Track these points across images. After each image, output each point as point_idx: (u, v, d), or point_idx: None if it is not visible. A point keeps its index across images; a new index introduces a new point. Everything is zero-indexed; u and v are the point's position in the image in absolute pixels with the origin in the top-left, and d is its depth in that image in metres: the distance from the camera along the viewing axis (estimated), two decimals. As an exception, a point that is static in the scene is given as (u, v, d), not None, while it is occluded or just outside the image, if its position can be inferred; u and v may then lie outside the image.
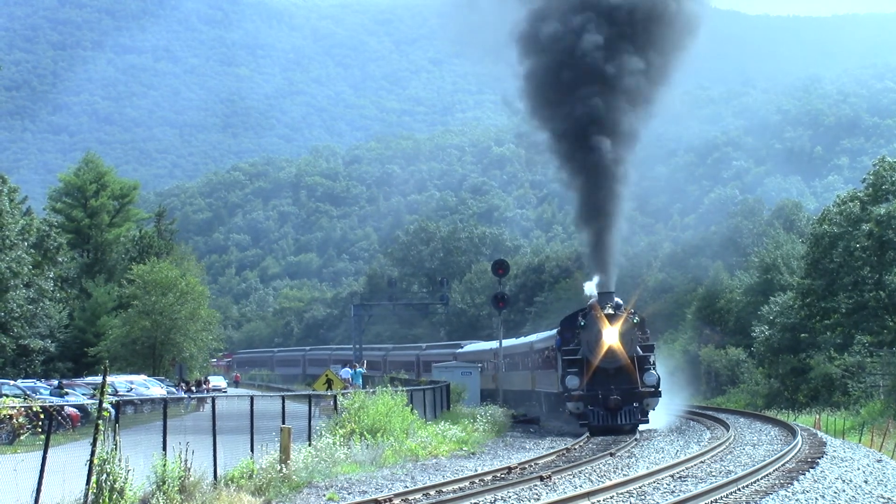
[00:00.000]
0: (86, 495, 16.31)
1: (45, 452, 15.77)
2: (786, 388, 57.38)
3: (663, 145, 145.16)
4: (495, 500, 20.31)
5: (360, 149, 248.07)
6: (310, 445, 25.59)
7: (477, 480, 23.78)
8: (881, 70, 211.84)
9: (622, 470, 25.65)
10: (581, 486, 22.01)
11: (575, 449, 32.50)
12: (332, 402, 31.41)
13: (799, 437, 31.28)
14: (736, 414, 48.67)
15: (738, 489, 20.90)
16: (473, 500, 20.29)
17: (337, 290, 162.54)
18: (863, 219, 51.55)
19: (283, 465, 22.18)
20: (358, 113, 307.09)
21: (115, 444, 17.04)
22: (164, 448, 19.06)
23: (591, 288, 41.09)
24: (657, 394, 38.56)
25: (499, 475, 24.85)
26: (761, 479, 22.42)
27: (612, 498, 20.14)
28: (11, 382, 40.75)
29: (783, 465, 24.99)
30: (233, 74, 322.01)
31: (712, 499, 19.68)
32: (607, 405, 37.74)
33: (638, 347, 38.83)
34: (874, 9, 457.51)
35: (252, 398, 24.00)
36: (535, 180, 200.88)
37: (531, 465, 27.23)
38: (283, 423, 24.29)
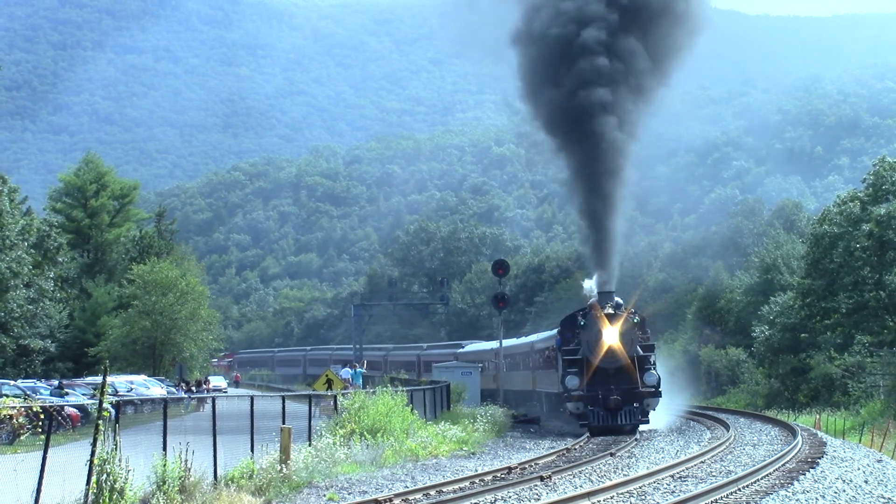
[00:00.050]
0: (86, 495, 16.31)
1: (46, 452, 15.78)
2: (786, 388, 57.37)
3: (663, 145, 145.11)
4: (495, 500, 20.31)
5: (360, 149, 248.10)
6: (310, 445, 25.59)
7: (477, 480, 23.78)
8: (881, 70, 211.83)
9: (622, 470, 25.65)
10: (581, 487, 22.01)
11: (575, 449, 32.50)
12: (332, 403, 31.41)
13: (799, 438, 31.28)
14: (736, 414, 48.67)
15: (739, 489, 20.90)
16: (474, 500, 20.29)
17: (337, 290, 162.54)
18: (863, 219, 51.54)
19: (283, 466, 22.18)
20: (358, 113, 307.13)
21: (116, 445, 17.04)
22: (165, 448, 19.06)
23: (590, 285, 41.03)
24: (657, 394, 38.45)
25: (499, 475, 24.85)
26: (761, 479, 22.42)
27: (612, 498, 20.14)
28: (11, 382, 40.74)
29: (783, 465, 24.99)
30: (233, 74, 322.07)
31: (712, 499, 19.67)
32: (607, 405, 37.63)
33: (638, 347, 38.71)
34: (874, 9, 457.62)
35: (252, 398, 24.00)
36: (536, 180, 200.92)
37: (531, 465, 27.23)
38: (284, 423, 24.30)
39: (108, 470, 16.61)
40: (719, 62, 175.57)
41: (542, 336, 50.92)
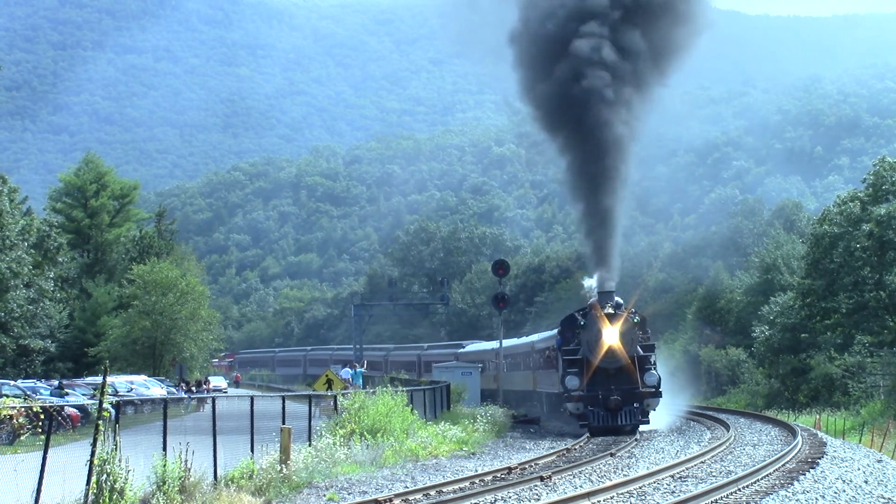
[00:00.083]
0: (86, 495, 16.32)
1: (46, 453, 15.78)
2: (786, 389, 57.36)
3: (664, 145, 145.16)
4: (495, 501, 20.31)
5: (360, 149, 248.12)
6: (310, 446, 25.59)
7: (477, 481, 23.78)
8: (881, 70, 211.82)
9: (622, 470, 25.65)
10: (581, 487, 22.01)
11: (575, 449, 32.49)
12: (332, 403, 31.40)
13: (799, 438, 31.28)
14: (736, 414, 48.67)
15: (739, 489, 20.90)
16: (474, 501, 20.29)
17: (337, 290, 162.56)
18: (863, 219, 51.53)
19: (283, 466, 22.18)
20: (358, 113, 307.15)
21: (116, 445, 17.05)
22: (165, 448, 19.07)
23: (591, 283, 40.91)
24: (658, 394, 38.30)
25: (499, 475, 24.85)
26: (761, 479, 22.42)
27: (612, 498, 20.14)
28: (12, 383, 40.75)
29: (783, 465, 24.99)
30: (233, 74, 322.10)
31: (713, 499, 19.67)
32: (607, 405, 37.49)
33: (638, 347, 38.56)
34: (874, 9, 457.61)
35: (252, 398, 24.01)
36: (536, 180, 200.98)
37: (531, 466, 27.22)
38: (284, 423, 24.30)
39: (108, 470, 16.61)
40: (719, 62, 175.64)
41: (542, 336, 50.86)
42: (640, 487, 21.65)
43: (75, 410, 32.21)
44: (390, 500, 20.15)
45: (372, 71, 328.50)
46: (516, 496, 20.80)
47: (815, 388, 54.85)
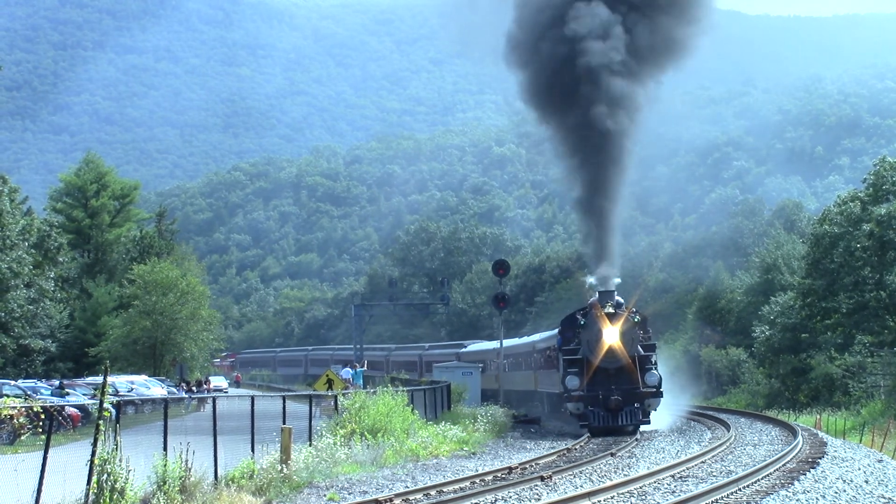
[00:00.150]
0: (86, 495, 16.32)
1: (46, 453, 15.79)
2: (786, 389, 57.34)
3: (664, 145, 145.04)
4: (496, 500, 20.31)
5: (360, 149, 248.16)
6: (310, 445, 25.59)
7: (478, 480, 23.78)
8: (882, 70, 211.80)
9: (623, 470, 25.65)
10: (582, 487, 22.01)
11: (576, 449, 32.49)
12: (332, 403, 31.40)
13: (799, 438, 31.28)
14: (737, 414, 48.65)
15: (739, 489, 20.90)
16: (474, 500, 20.29)
17: (337, 290, 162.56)
18: (863, 219, 51.52)
19: (283, 466, 22.19)
20: (358, 113, 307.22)
21: (116, 445, 17.06)
22: (165, 448, 19.08)
23: (592, 280, 40.74)
24: (659, 394, 38.13)
25: (499, 475, 24.85)
26: (762, 479, 22.42)
27: (612, 498, 20.14)
28: (12, 382, 40.76)
29: (784, 465, 24.99)
30: (234, 74, 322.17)
31: (713, 499, 19.68)
32: (608, 406, 37.32)
33: (639, 347, 38.40)
34: (875, 9, 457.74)
35: (253, 398, 24.01)
36: (536, 180, 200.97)
37: (532, 466, 27.22)
38: (284, 423, 24.30)
39: (109, 470, 16.62)
40: (720, 62, 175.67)
41: (543, 336, 50.80)
42: (640, 487, 21.66)
43: (76, 410, 32.23)
44: (391, 499, 20.15)
45: (372, 71, 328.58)
46: (517, 496, 20.80)
47: (815, 387, 54.84)
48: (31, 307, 57.53)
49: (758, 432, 36.70)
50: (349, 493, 21.83)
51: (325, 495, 21.45)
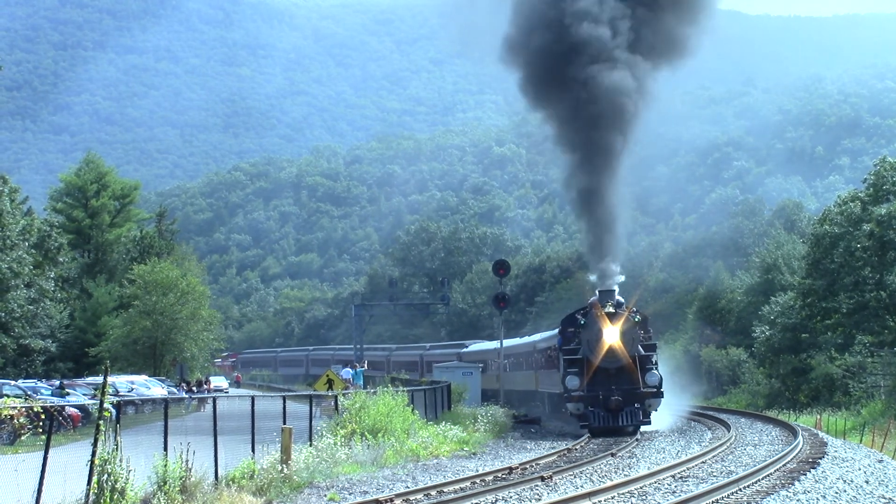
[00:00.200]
0: (87, 495, 16.32)
1: (46, 453, 15.79)
2: (787, 389, 57.34)
3: (664, 145, 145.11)
4: (496, 501, 20.31)
5: (360, 149, 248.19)
6: (311, 446, 25.59)
7: (478, 481, 23.77)
8: (882, 70, 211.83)
9: (623, 470, 25.64)
10: (582, 487, 22.01)
11: (576, 449, 32.48)
12: (333, 403, 31.39)
13: (800, 438, 31.27)
14: (737, 414, 48.64)
15: (740, 489, 20.90)
16: (474, 501, 20.29)
17: (338, 290, 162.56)
18: (864, 219, 51.52)
19: (284, 466, 22.18)
20: (359, 113, 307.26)
21: (116, 445, 17.06)
22: (166, 448, 19.08)
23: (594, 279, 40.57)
24: (659, 394, 37.90)
25: (500, 475, 24.85)
26: (762, 479, 22.42)
27: (613, 498, 20.14)
28: (12, 382, 40.76)
29: (784, 465, 24.99)
30: (234, 74, 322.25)
31: (713, 499, 19.67)
32: (608, 406, 37.15)
33: (640, 347, 38.22)
34: (875, 9, 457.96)
35: (253, 398, 24.01)
36: (536, 180, 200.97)
37: (532, 466, 27.22)
38: (284, 423, 24.29)
39: (109, 470, 16.62)
40: (720, 62, 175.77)
41: (544, 336, 50.74)
42: (640, 487, 21.65)
43: (76, 410, 32.23)
44: (391, 500, 20.15)
45: (372, 71, 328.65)
46: (517, 496, 20.80)
47: (815, 388, 54.83)
48: (31, 307, 57.53)
49: (758, 432, 36.69)
50: (349, 494, 21.83)
51: (325, 495, 21.45)
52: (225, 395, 44.41)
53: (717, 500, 19.70)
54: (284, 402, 25.94)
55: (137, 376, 52.06)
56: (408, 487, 22.51)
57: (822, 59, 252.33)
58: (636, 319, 38.29)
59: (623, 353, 37.53)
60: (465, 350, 72.55)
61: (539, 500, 20.28)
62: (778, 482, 21.97)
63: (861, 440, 34.56)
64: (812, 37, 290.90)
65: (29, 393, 36.51)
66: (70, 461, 16.66)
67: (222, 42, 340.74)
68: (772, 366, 59.65)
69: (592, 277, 41.26)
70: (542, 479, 23.19)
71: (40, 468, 15.69)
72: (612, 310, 37.70)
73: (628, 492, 20.94)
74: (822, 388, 54.14)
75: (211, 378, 68.35)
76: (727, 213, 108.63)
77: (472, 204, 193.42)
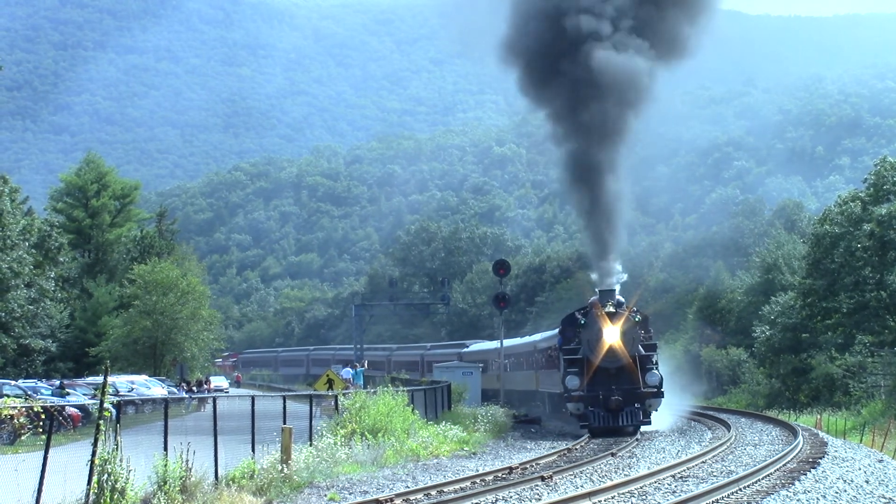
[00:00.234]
0: (87, 495, 16.32)
1: (47, 453, 15.79)
2: (787, 389, 57.33)
3: (664, 145, 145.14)
4: (497, 500, 20.31)
5: (361, 149, 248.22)
6: (311, 445, 25.59)
7: (478, 480, 23.77)
8: (882, 70, 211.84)
9: (623, 470, 25.64)
10: (582, 486, 22.01)
11: (576, 449, 32.47)
12: (333, 403, 31.39)
13: (800, 437, 31.27)
14: (737, 414, 48.63)
15: (740, 489, 20.89)
16: (475, 500, 20.29)
17: (338, 290, 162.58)
18: (864, 219, 51.51)
19: (284, 466, 22.18)
20: (359, 113, 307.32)
21: (117, 445, 17.06)
22: (166, 448, 19.08)
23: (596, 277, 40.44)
24: (660, 394, 37.75)
25: (500, 475, 24.85)
26: (762, 479, 22.41)
27: (613, 498, 20.14)
28: (12, 382, 40.76)
29: (784, 465, 24.98)
30: (234, 74, 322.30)
31: (714, 499, 19.67)
32: (608, 406, 37.01)
33: (640, 346, 38.07)
34: (875, 9, 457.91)
35: (253, 398, 24.01)
36: (537, 180, 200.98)
37: (532, 465, 27.21)
38: (285, 423, 24.29)
39: (109, 470, 16.62)
40: (720, 62, 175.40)
41: (545, 335, 50.66)
42: (641, 487, 21.65)
43: (76, 410, 32.22)
44: (391, 499, 20.15)
45: (373, 71, 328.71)
46: (517, 496, 20.80)
47: (815, 387, 54.82)
48: (31, 307, 57.53)
49: (758, 432, 36.68)
50: (350, 493, 21.83)
51: (325, 495, 21.45)
52: (225, 394, 44.42)
53: (718, 499, 19.70)
54: (284, 401, 25.94)
55: (137, 376, 52.07)
56: (408, 487, 22.51)
57: (822, 59, 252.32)
58: (636, 319, 38.13)
59: (623, 353, 37.38)
60: (465, 350, 72.53)
61: (539, 499, 20.28)
62: (778, 482, 21.97)
63: (861, 440, 34.56)
64: (812, 37, 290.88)
65: (29, 393, 36.51)
66: (70, 461, 16.66)
67: (223, 42, 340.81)
68: (772, 366, 59.65)
69: (594, 276, 41.12)
70: (543, 478, 23.19)
71: (40, 468, 15.69)
72: (612, 309, 37.51)
73: (628, 492, 20.94)
74: (823, 387, 54.13)
75: (211, 378, 68.36)
76: (727, 213, 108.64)
77: (472, 204, 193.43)
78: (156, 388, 47.83)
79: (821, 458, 25.91)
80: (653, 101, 42.72)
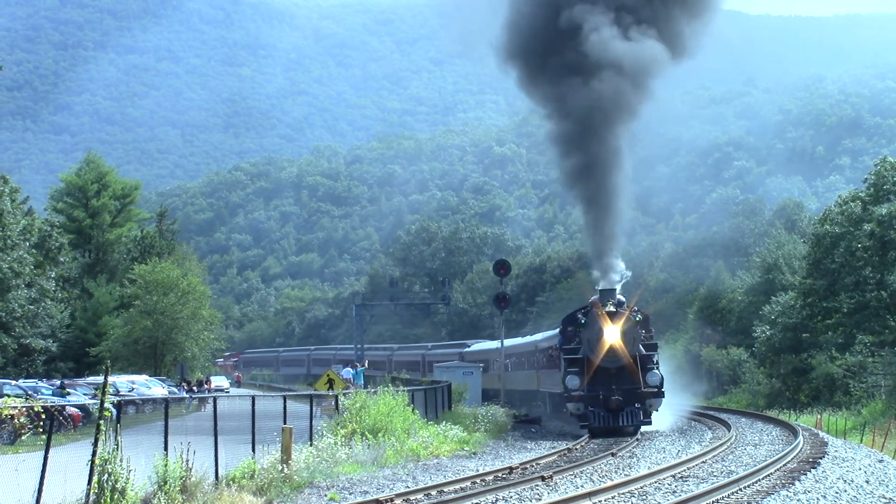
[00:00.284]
0: (87, 495, 16.32)
1: (47, 452, 15.79)
2: (787, 388, 57.34)
3: (665, 145, 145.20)
4: (497, 500, 20.31)
5: (361, 149, 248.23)
6: (311, 445, 25.60)
7: (478, 480, 23.77)
8: (882, 70, 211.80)
9: (623, 470, 25.64)
10: (582, 486, 22.01)
11: (576, 449, 32.46)
12: (333, 402, 31.40)
13: (800, 437, 31.26)
14: (737, 414, 48.62)
15: (740, 489, 20.89)
16: (475, 500, 20.29)
17: (338, 290, 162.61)
18: (864, 219, 51.51)
19: (284, 465, 22.19)
20: (359, 113, 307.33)
21: (117, 444, 17.06)
22: (166, 448, 19.08)
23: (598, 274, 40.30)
24: (660, 394, 37.60)
25: (500, 475, 24.85)
26: (763, 478, 22.41)
27: (613, 498, 20.14)
28: (13, 382, 40.77)
29: (785, 464, 24.98)
30: (235, 74, 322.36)
31: (714, 499, 19.67)
32: (608, 406, 36.87)
33: (641, 346, 37.92)
34: (875, 9, 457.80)
35: (253, 398, 24.01)
36: (537, 180, 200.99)
37: (533, 465, 27.21)
38: (285, 423, 24.30)
39: (110, 470, 16.62)
40: (721, 62, 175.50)
41: (546, 335, 50.55)
42: (641, 487, 21.65)
43: (77, 410, 32.22)
44: (391, 499, 20.15)
45: (373, 71, 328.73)
46: (518, 496, 20.80)
47: (816, 387, 54.82)
48: (32, 307, 57.56)
49: (758, 432, 36.67)
50: (350, 493, 21.84)
51: (325, 495, 21.45)
52: (225, 394, 44.42)
53: (718, 499, 19.70)
54: (285, 401, 25.94)
55: (138, 376, 52.08)
56: (408, 487, 22.51)
57: (822, 58, 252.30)
58: (637, 318, 37.96)
59: (624, 353, 37.23)
60: (467, 350, 72.51)
61: (539, 499, 20.28)
62: (778, 482, 21.96)
63: (861, 440, 34.56)
64: (813, 37, 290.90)
65: (30, 393, 36.51)
66: (70, 461, 16.66)
67: (223, 42, 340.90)
68: (772, 365, 59.64)
69: (595, 273, 40.94)
70: (543, 478, 23.19)
71: (41, 468, 15.70)
72: (612, 309, 37.36)
73: (629, 492, 20.94)
74: (823, 387, 54.13)
75: (212, 378, 68.37)
76: (728, 212, 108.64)
77: (472, 204, 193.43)
78: (156, 388, 47.82)
79: (821, 458, 25.91)
80: (657, 79, 42.31)
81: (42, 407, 16.59)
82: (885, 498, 19.51)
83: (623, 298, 38.67)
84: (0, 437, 24.13)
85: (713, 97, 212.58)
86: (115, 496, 16.55)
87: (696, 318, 75.61)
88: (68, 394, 39.53)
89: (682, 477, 23.48)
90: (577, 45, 39.42)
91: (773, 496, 19.69)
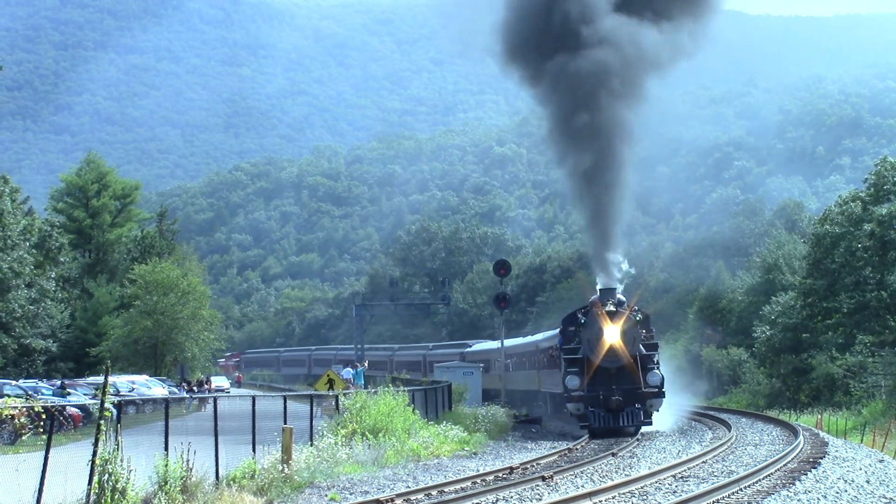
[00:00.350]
0: (87, 495, 16.32)
1: (47, 453, 15.79)
2: (787, 388, 57.33)
3: (665, 145, 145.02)
4: (497, 501, 20.31)
5: (361, 149, 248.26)
6: (311, 445, 25.60)
7: (479, 480, 23.78)
8: (883, 70, 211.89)
9: (624, 470, 25.64)
10: (583, 486, 22.01)
11: (577, 449, 32.46)
12: (333, 403, 31.40)
13: (801, 437, 31.25)
14: (738, 414, 48.61)
15: (741, 489, 20.89)
16: (475, 501, 20.29)
17: (338, 290, 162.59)
18: (864, 219, 51.51)
19: (284, 466, 22.19)
20: (359, 113, 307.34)
21: (117, 445, 17.07)
22: (166, 448, 19.09)
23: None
24: (661, 394, 37.44)
25: (501, 475, 24.85)
26: (763, 479, 22.41)
27: (614, 498, 20.13)
28: (13, 382, 40.77)
29: (785, 465, 24.98)
30: (235, 74, 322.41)
31: (714, 499, 19.67)
32: (608, 406, 36.75)
33: (641, 346, 37.78)
34: (876, 9, 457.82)
35: (254, 398, 24.01)
36: (537, 180, 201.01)
37: (533, 465, 27.21)
38: (285, 423, 24.30)
39: (110, 470, 16.62)
40: (721, 62, 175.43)
41: (547, 335, 50.48)
42: (641, 487, 21.65)
43: (77, 410, 32.20)
44: (392, 499, 20.15)
45: (373, 71, 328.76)
46: (518, 496, 20.80)
47: (816, 387, 54.82)
48: (32, 307, 57.56)
49: (759, 432, 36.66)
50: (350, 493, 21.84)
51: (326, 495, 21.45)
52: (226, 395, 44.40)
53: (718, 499, 19.70)
54: (285, 401, 25.94)
55: (138, 376, 52.08)
56: (409, 487, 22.51)
57: (822, 59, 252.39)
58: (637, 318, 37.81)
59: (624, 353, 37.09)
60: (468, 350, 72.48)
61: (540, 499, 20.28)
62: (779, 482, 21.96)
63: (862, 440, 34.55)
64: (813, 37, 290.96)
65: (30, 393, 36.51)
66: (71, 461, 16.66)
67: (223, 42, 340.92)
68: (772, 366, 59.63)
69: (596, 270, 40.79)
70: (543, 478, 23.18)
71: (41, 468, 15.70)
72: (612, 308, 37.21)
73: (629, 492, 20.94)
74: (823, 387, 54.13)
75: (212, 378, 68.35)
76: (728, 213, 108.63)
77: (472, 204, 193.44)
78: (156, 388, 47.82)
79: (821, 458, 25.90)
80: (658, 68, 42.15)
81: (42, 407, 16.59)
82: (886, 498, 19.50)
83: (623, 298, 38.54)
84: (0, 437, 24.12)
85: (713, 97, 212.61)
86: (116, 496, 16.55)
87: (696, 318, 75.60)
88: (68, 394, 39.52)
89: (682, 477, 23.48)
90: (576, 33, 39.32)
91: (773, 496, 19.69)
